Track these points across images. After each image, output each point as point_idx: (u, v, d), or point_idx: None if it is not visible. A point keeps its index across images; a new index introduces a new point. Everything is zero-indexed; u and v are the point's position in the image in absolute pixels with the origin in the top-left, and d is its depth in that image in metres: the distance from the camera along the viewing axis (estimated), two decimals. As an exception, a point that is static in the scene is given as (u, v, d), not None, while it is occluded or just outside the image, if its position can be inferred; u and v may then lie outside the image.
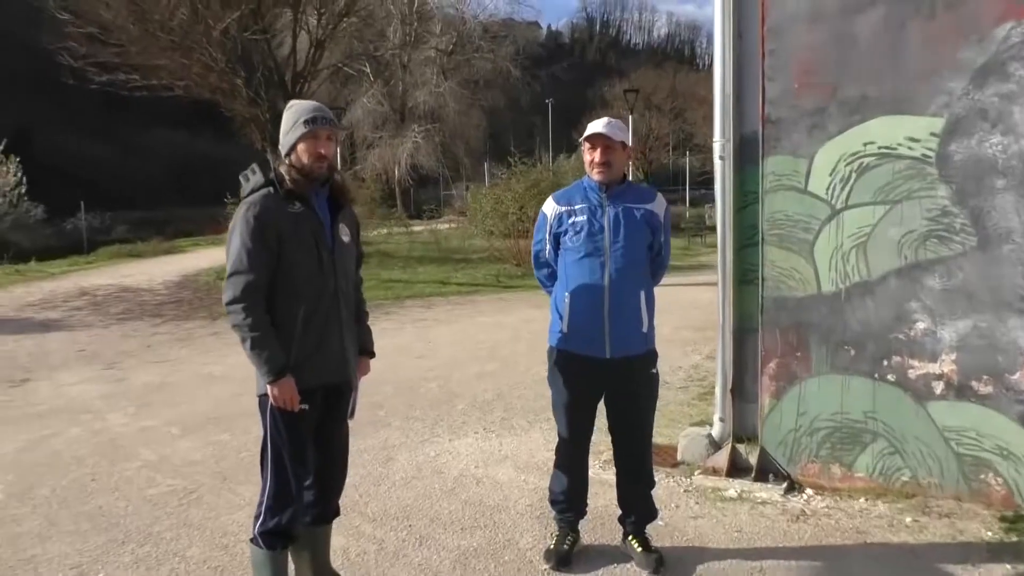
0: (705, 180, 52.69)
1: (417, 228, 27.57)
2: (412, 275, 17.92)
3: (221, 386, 7.66)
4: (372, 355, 3.61)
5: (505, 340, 9.87)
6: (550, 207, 3.76)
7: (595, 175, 3.64)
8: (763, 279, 4.69)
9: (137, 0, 18.43)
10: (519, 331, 10.44)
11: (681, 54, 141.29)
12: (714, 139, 4.83)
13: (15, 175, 30.18)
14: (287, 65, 22.14)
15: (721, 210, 4.82)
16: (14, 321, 12.56)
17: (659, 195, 3.80)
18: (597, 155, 3.61)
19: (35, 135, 51.98)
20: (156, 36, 18.60)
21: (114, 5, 18.08)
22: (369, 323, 3.66)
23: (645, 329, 3.65)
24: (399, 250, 23.05)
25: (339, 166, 21.36)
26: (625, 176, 3.72)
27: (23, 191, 30.64)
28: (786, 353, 4.67)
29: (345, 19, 22.59)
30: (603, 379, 3.66)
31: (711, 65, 4.97)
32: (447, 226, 31.03)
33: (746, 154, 4.79)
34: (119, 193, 52.28)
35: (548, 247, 3.80)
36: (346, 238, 3.30)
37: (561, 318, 3.68)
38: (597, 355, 3.60)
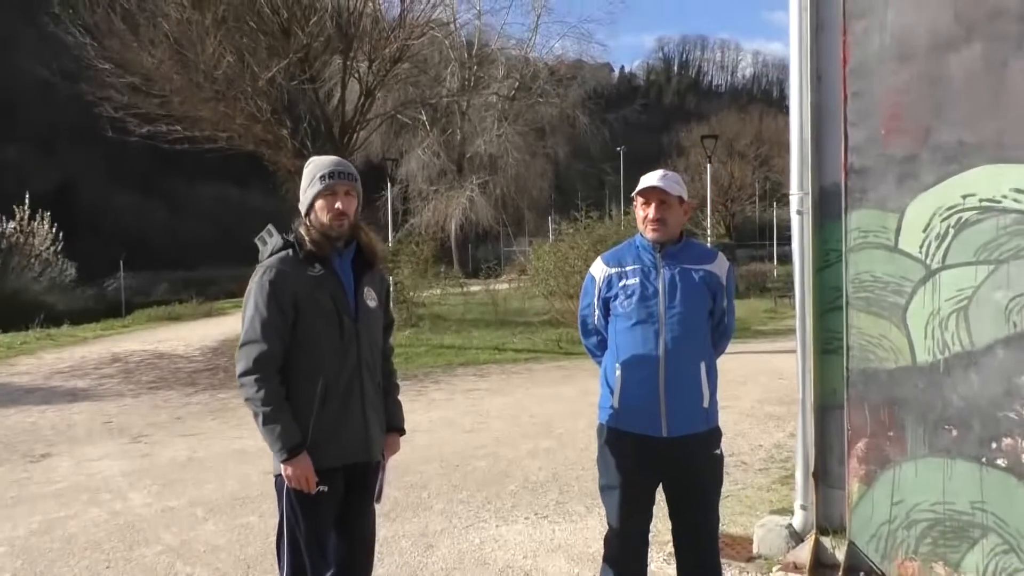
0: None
1: (474, 288, 27.76)
2: (466, 340, 17.98)
3: (252, 463, 7.71)
4: (402, 432, 3.59)
5: (563, 414, 9.77)
6: (598, 269, 3.76)
7: (648, 233, 3.63)
8: (848, 348, 4.56)
9: (181, 48, 19.21)
10: (578, 404, 10.34)
11: (768, 96, 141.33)
12: (791, 192, 4.77)
13: (50, 232, 31.28)
14: (336, 115, 22.74)
15: (799, 270, 4.73)
16: (41, 390, 12.93)
17: (720, 255, 3.77)
18: (651, 211, 3.61)
19: (78, 191, 54.39)
20: (200, 86, 19.32)
21: (157, 54, 18.86)
22: (416, 393, 3.68)
23: (706, 404, 3.58)
24: (453, 312, 23.21)
25: (391, 223, 21.57)
26: (683, 234, 3.71)
27: (59, 248, 31.70)
28: (877, 433, 4.50)
29: (398, 64, 23.13)
30: (660, 461, 3.58)
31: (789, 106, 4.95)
32: (506, 286, 31.17)
33: (827, 208, 4.71)
34: (163, 251, 54.18)
35: (597, 312, 3.78)
36: (372, 303, 3.31)
37: (612, 392, 3.64)
38: (652, 433, 3.53)
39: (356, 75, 22.70)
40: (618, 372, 3.61)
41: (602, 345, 3.82)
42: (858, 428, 4.55)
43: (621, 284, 3.64)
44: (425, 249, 22.81)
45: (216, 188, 64.63)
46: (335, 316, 3.13)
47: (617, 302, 3.65)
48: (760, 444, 7.87)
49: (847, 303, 4.57)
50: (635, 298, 3.59)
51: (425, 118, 43.90)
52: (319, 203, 3.19)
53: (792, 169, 4.82)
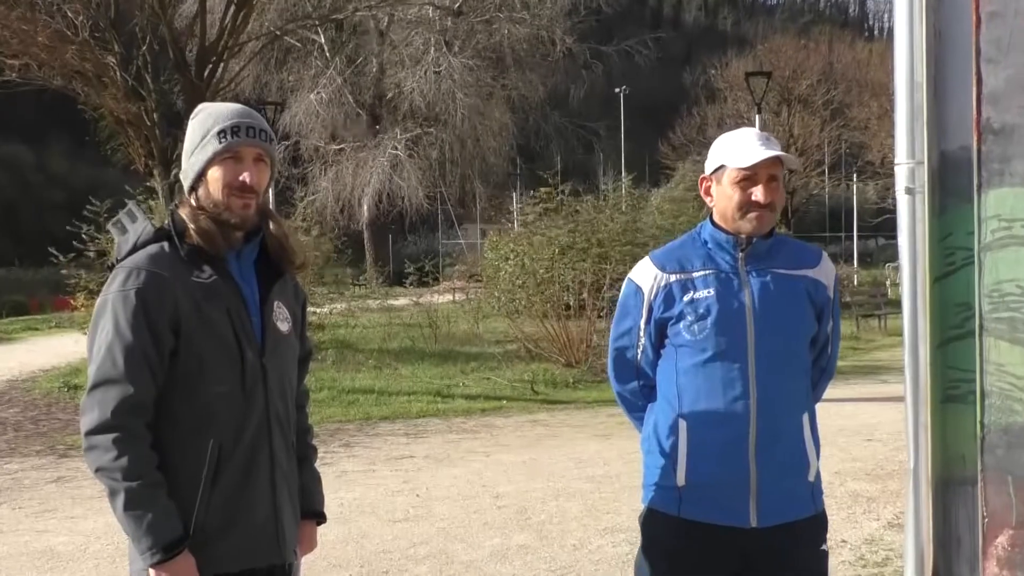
0: (885, 222, 52.76)
1: (399, 301, 27.72)
2: (390, 381, 18.00)
3: (70, 571, 7.68)
4: (321, 519, 3.64)
5: (544, 494, 9.82)
6: (647, 274, 3.78)
7: (748, 223, 3.68)
8: (983, 395, 4.64)
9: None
10: (568, 478, 10.40)
11: (843, 13, 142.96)
12: (896, 160, 4.85)
13: None
14: (190, 34, 22.63)
15: (908, 278, 4.79)
16: None
17: (825, 256, 3.87)
18: (759, 192, 3.66)
19: None
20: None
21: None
22: (319, 462, 3.71)
23: (812, 476, 3.66)
24: (368, 338, 23.18)
25: (272, 204, 21.58)
26: (773, 227, 3.80)
27: None
28: (1026, 521, 4.61)
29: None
30: (742, 563, 3.63)
31: (890, 32, 5.02)
32: (449, 298, 31.20)
33: (951, 185, 4.78)
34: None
35: (643, 342, 3.81)
36: (284, 326, 3.36)
37: (670, 462, 3.66)
38: (736, 523, 3.58)
39: (223, -27, 22.67)
40: (682, 432, 3.62)
41: (648, 392, 3.85)
42: (998, 514, 4.64)
43: (687, 299, 3.66)
44: (323, 241, 22.78)
45: (-7, 146, 63.87)
46: (234, 345, 3.16)
47: (681, 325, 3.66)
48: (844, 539, 7.97)
49: (981, 328, 4.65)
50: (711, 319, 3.61)
51: (323, 40, 43.89)
52: (214, 173, 3.21)
53: (897, 128, 4.87)
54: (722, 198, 3.71)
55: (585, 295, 19.11)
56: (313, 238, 22.07)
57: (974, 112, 4.69)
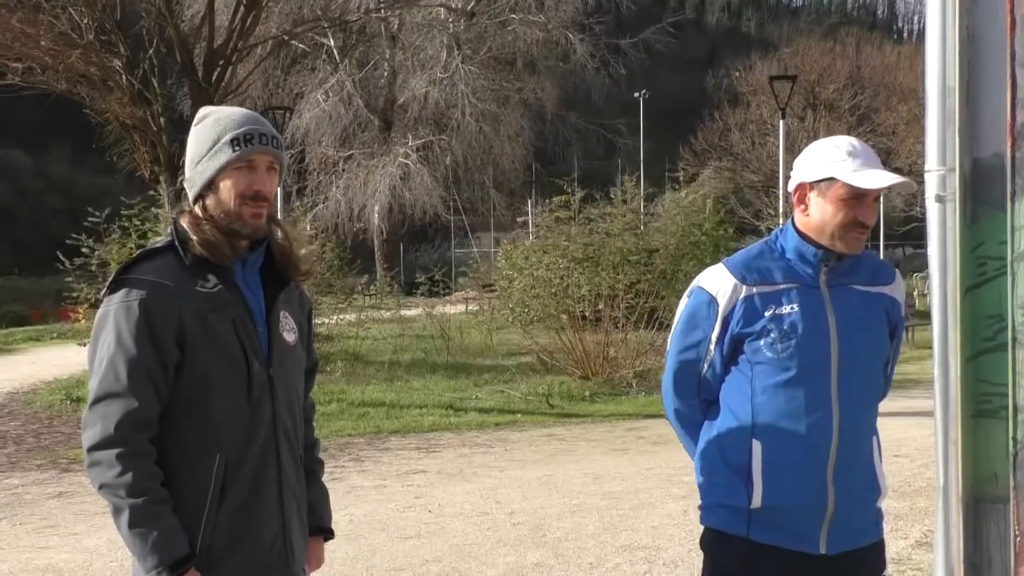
0: (913, 230, 52.58)
1: (411, 312, 27.72)
2: (402, 394, 18.01)
3: (70, 586, 7.68)
4: (329, 535, 3.64)
5: (560, 510, 9.81)
6: (723, 284, 3.68)
7: (846, 244, 3.62)
8: (1015, 409, 4.63)
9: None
10: (585, 494, 10.39)
11: (871, 15, 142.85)
12: (927, 167, 4.84)
13: None
14: (198, 37, 22.68)
15: (939, 288, 4.77)
16: None
17: (898, 272, 3.85)
18: (864, 212, 3.59)
19: None
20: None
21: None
22: (329, 476, 3.70)
23: (880, 502, 3.67)
24: (379, 350, 23.16)
25: (280, 213, 21.64)
26: None
27: None
28: (1060, 541, 4.58)
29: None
30: None
31: (920, 35, 4.99)
32: (462, 308, 31.20)
33: (984, 193, 4.76)
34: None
35: (712, 356, 3.73)
36: (291, 336, 3.36)
37: (742, 483, 3.62)
38: (805, 549, 3.58)
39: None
40: (756, 452, 3.58)
41: (706, 408, 3.81)
42: (1031, 533, 4.63)
43: (771, 314, 3.59)
44: (328, 250, 22.79)
45: (-5, 153, 64.07)
46: (240, 357, 3.16)
47: (763, 342, 3.59)
48: (870, 559, 7.96)
49: (1014, 340, 4.63)
50: (797, 337, 3.56)
51: (333, 44, 43.95)
52: (225, 182, 3.20)
53: (928, 133, 4.85)
54: (822, 212, 3.61)
55: (601, 306, 19.10)
56: (320, 246, 22.06)
57: (1008, 117, 4.67)
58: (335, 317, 22.95)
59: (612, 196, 26.19)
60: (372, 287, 29.02)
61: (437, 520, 9.57)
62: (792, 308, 3.57)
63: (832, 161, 3.60)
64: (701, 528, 3.84)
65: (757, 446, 3.56)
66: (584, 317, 19.54)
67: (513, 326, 24.14)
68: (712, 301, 3.67)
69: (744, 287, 3.63)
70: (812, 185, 3.62)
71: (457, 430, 14.83)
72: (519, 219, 38.50)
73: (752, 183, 53.20)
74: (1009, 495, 4.72)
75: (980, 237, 4.85)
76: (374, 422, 15.32)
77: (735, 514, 3.61)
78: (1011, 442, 4.72)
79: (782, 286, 3.61)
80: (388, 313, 26.61)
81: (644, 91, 62.06)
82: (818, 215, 3.62)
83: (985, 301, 4.82)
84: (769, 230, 24.22)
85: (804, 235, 3.64)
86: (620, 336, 18.74)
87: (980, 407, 4.85)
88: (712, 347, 3.69)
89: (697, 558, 8.03)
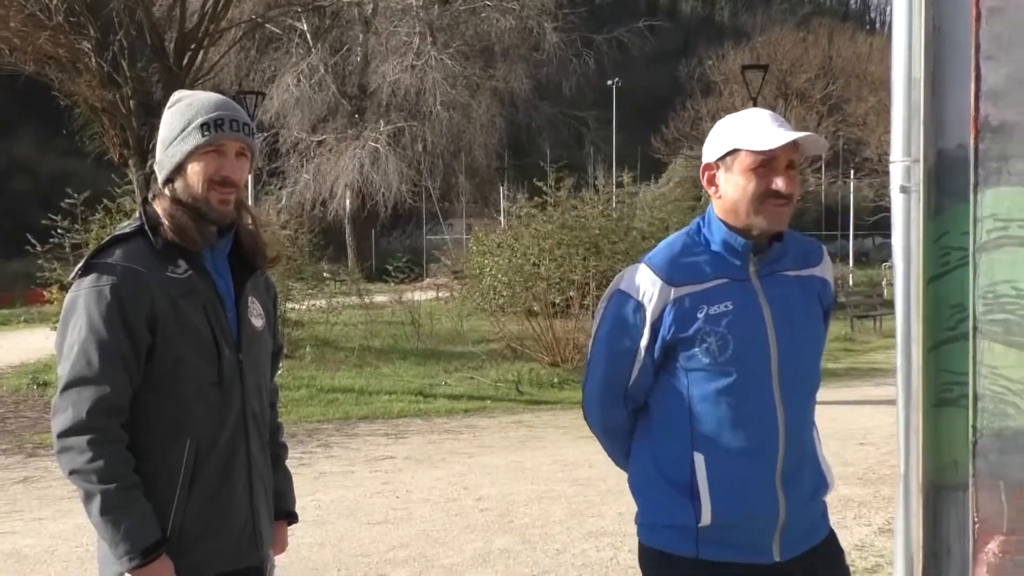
0: (882, 220, 52.72)
1: (381, 298, 27.67)
2: (371, 380, 18.02)
3: (37, 574, 7.61)
4: (293, 519, 3.68)
5: (527, 496, 9.87)
6: (648, 286, 3.36)
7: (767, 219, 3.33)
8: (977, 398, 4.67)
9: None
10: (553, 481, 10.45)
11: (843, 4, 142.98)
12: (892, 158, 4.87)
13: None
14: (169, 20, 22.58)
15: (902, 279, 4.80)
16: None
17: (824, 249, 3.69)
18: (781, 181, 3.32)
19: None
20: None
21: None
22: (297, 462, 3.72)
23: (827, 496, 3.54)
24: (348, 336, 23.14)
25: (250, 198, 21.57)
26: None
27: None
28: (1020, 528, 4.62)
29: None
30: None
31: (891, 26, 5.02)
32: (432, 295, 31.19)
33: (947, 184, 4.80)
34: None
35: (641, 364, 3.41)
36: (259, 322, 3.38)
37: (688, 500, 3.35)
38: (758, 560, 3.37)
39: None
40: (700, 467, 3.33)
41: (634, 419, 3.54)
42: (990, 520, 4.67)
43: (703, 315, 3.30)
44: (300, 235, 22.74)
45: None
46: (210, 342, 3.17)
47: (698, 348, 3.30)
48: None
49: (975, 330, 4.67)
50: (734, 339, 3.30)
51: (306, 28, 43.81)
52: (194, 166, 3.20)
53: (894, 124, 4.88)
54: (733, 188, 3.32)
55: (572, 293, 19.13)
56: (294, 231, 22.01)
57: (972, 110, 4.72)
58: (306, 303, 22.90)
59: (587, 183, 26.26)
60: (342, 272, 28.97)
61: (405, 506, 9.60)
62: (726, 307, 3.29)
63: (734, 132, 3.36)
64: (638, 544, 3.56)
65: (700, 459, 3.31)
66: (554, 304, 19.57)
67: (483, 313, 24.14)
68: (638, 307, 3.35)
69: (672, 289, 3.31)
70: (717, 163, 3.36)
71: (426, 416, 14.87)
72: (493, 205, 38.48)
73: (723, 171, 53.30)
74: (968, 483, 4.76)
75: (943, 227, 4.89)
76: (343, 408, 15.35)
77: (681, 533, 3.35)
78: (971, 430, 4.76)
79: (712, 283, 3.32)
80: (357, 299, 26.58)
81: (617, 79, 61.95)
82: (730, 191, 3.34)
83: (947, 291, 4.86)
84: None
85: (727, 224, 3.36)
86: (591, 323, 18.70)
87: (941, 396, 4.88)
88: (642, 355, 3.37)
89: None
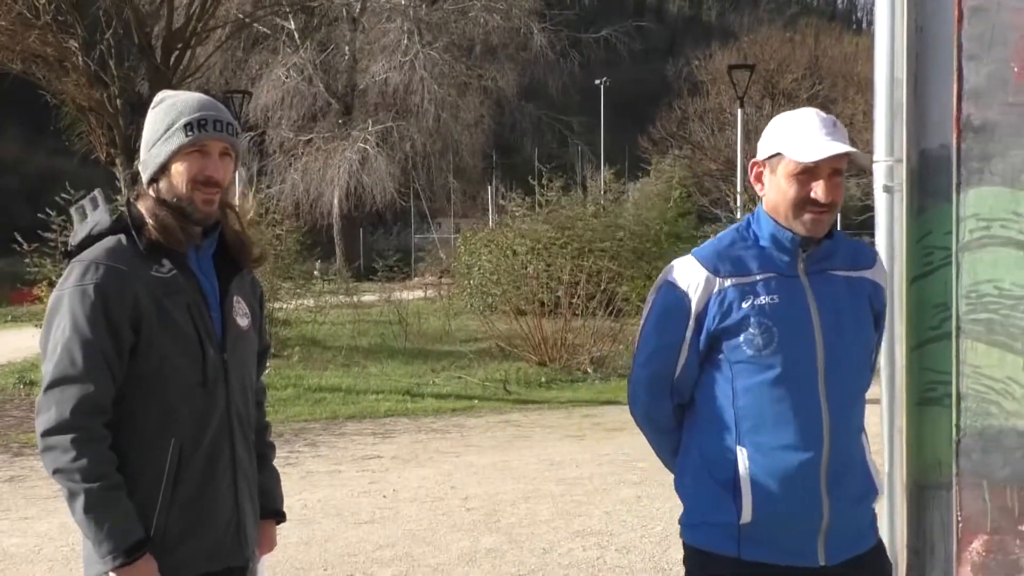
0: (869, 219, 52.88)
1: (369, 297, 27.66)
2: (358, 380, 18.00)
3: (22, 573, 7.59)
4: (281, 518, 3.68)
5: (514, 496, 9.86)
6: (693, 276, 3.39)
7: (803, 225, 3.35)
8: (960, 397, 4.68)
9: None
10: (540, 480, 10.44)
11: (830, 5, 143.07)
12: (875, 158, 4.88)
13: None
14: (156, 19, 22.53)
15: (887, 278, 4.84)
16: None
17: (879, 255, 3.81)
18: (820, 189, 3.32)
19: None
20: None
21: None
22: (284, 461, 3.73)
23: (876, 504, 3.59)
24: (336, 335, 23.10)
25: (236, 198, 21.59)
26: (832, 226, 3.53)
27: None
28: (1002, 526, 4.64)
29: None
30: None
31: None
32: (420, 294, 31.17)
33: (930, 184, 4.82)
34: None
35: (686, 356, 3.42)
36: (244, 321, 3.37)
37: (729, 496, 3.35)
38: (803, 564, 3.35)
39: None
40: (742, 461, 3.32)
41: (680, 413, 3.55)
42: (973, 519, 4.68)
43: (748, 305, 3.31)
44: (287, 236, 22.71)
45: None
46: (195, 342, 3.17)
47: (742, 339, 3.31)
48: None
49: (958, 329, 4.68)
50: (779, 332, 3.30)
51: (294, 26, 43.73)
52: (178, 166, 3.20)
53: (877, 124, 4.89)
54: (775, 191, 3.37)
55: (561, 292, 19.12)
56: (282, 231, 21.96)
57: (955, 109, 4.72)
58: (294, 302, 22.88)
59: (575, 182, 26.28)
60: (330, 271, 28.96)
61: (392, 505, 9.59)
62: (772, 299, 3.30)
63: (781, 135, 3.40)
64: (681, 543, 3.54)
65: (743, 454, 3.30)
66: (543, 304, 19.56)
67: (472, 312, 24.14)
68: (684, 297, 3.36)
69: (717, 280, 3.33)
70: (764, 162, 3.42)
71: (413, 416, 14.84)
72: (481, 204, 38.49)
73: (711, 171, 53.29)
74: (952, 482, 4.77)
75: (927, 227, 4.90)
76: (330, 407, 15.33)
77: (723, 531, 3.34)
78: (954, 429, 4.77)
79: (758, 276, 3.34)
80: (345, 298, 26.57)
81: (605, 79, 61.96)
82: (772, 193, 3.39)
83: (931, 291, 4.87)
84: (728, 218, 24.31)
85: (775, 219, 3.38)
86: (579, 323, 18.77)
87: (925, 395, 4.89)
88: (687, 347, 3.39)
89: (649, 543, 8.13)
